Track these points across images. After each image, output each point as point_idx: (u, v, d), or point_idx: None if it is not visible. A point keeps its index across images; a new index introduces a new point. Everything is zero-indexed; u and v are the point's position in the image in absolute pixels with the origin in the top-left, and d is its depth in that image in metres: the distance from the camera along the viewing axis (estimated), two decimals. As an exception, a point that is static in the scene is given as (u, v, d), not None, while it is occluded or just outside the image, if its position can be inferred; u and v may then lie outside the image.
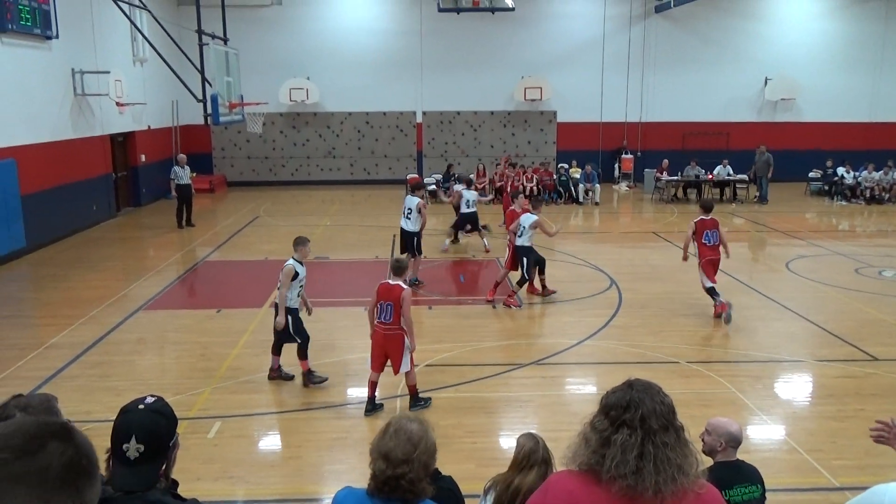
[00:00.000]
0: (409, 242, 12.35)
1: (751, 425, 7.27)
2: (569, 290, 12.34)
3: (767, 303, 11.56)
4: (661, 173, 22.99)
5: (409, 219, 12.24)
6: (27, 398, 2.90)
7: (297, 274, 8.10)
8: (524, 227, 11.16)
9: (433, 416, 6.99)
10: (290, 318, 8.16)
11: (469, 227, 15.06)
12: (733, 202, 22.54)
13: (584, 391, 8.38)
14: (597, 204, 22.11)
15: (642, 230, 18.26)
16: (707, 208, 10.89)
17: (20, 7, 14.68)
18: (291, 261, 8.15)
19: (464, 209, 14.75)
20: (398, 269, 7.46)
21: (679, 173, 23.05)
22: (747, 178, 22.93)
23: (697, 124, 26.14)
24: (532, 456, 3.91)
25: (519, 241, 11.22)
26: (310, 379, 8.25)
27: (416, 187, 12.52)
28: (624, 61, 25.85)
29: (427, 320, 10.75)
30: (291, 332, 8.18)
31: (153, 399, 2.43)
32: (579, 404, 7.71)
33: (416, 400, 7.55)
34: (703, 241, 10.62)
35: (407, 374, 7.45)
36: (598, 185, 22.63)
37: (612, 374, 8.46)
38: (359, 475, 6.28)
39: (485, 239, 15.06)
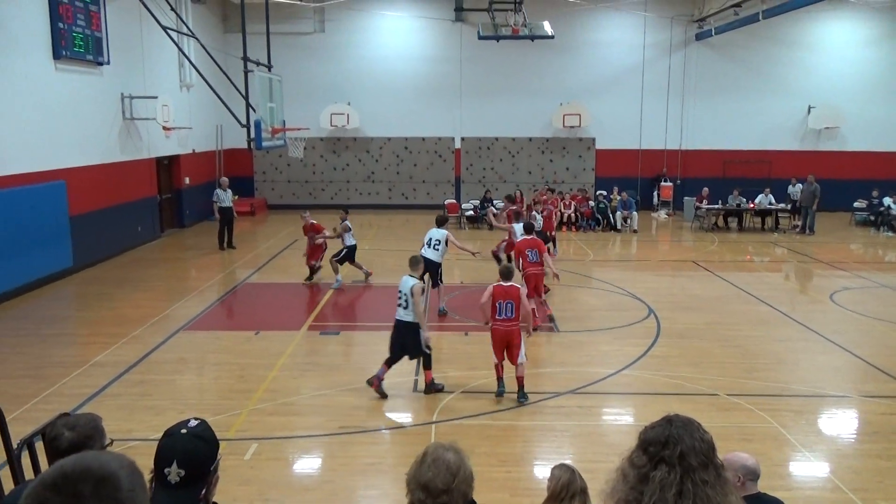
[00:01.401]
0: (434, 273, 12.37)
1: (793, 462, 7.10)
2: (606, 318, 12.24)
3: (810, 335, 11.31)
4: (702, 201, 22.75)
5: (437, 250, 12.29)
6: (74, 418, 2.98)
7: (423, 290, 8.79)
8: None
9: (466, 444, 6.96)
10: (415, 332, 8.59)
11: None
12: (775, 231, 22.19)
13: (622, 422, 8.28)
14: (635, 231, 21.95)
15: (681, 258, 18.05)
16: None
17: (74, 34, 15.22)
18: (415, 279, 8.65)
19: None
20: (508, 274, 8.73)
21: (719, 201, 22.79)
22: (789, 208, 22.57)
23: (738, 152, 25.89)
24: (570, 487, 3.88)
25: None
26: (434, 387, 8.68)
27: (442, 221, 12.71)
28: (664, 88, 25.78)
29: (463, 347, 10.75)
30: (423, 346, 8.60)
31: (196, 423, 2.46)
32: (616, 435, 7.62)
33: (523, 392, 8.42)
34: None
35: (520, 365, 8.41)
36: (636, 213, 22.47)
37: (651, 405, 8.37)
38: (391, 502, 6.29)
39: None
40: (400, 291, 8.64)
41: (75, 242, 15.14)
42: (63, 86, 15.15)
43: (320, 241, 14.51)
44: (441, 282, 12.57)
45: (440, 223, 12.62)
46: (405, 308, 8.58)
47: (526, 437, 7.68)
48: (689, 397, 8.58)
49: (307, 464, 7.23)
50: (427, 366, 8.77)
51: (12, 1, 13.51)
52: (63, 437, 2.83)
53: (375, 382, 8.59)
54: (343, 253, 14.24)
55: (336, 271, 14.13)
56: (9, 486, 4.27)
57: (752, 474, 4.08)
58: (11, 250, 12.99)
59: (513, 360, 8.45)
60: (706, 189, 22.98)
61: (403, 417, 8.30)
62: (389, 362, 8.71)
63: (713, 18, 24.03)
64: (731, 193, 22.80)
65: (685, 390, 8.87)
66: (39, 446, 3.98)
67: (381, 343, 10.82)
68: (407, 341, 8.63)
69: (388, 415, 8.31)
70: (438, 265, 12.36)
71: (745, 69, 25.73)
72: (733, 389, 8.88)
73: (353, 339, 11.03)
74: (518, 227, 12.63)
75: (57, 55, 14.75)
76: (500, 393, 8.49)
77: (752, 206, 22.55)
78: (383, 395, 8.56)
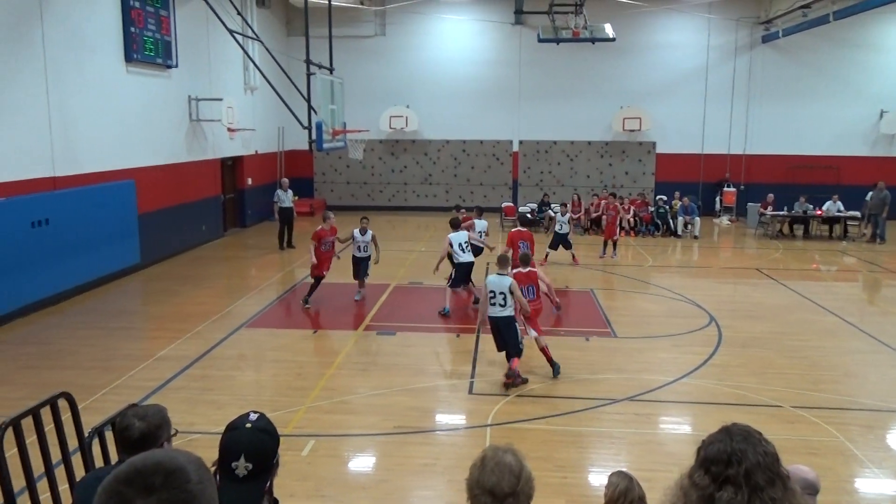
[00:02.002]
0: (469, 273, 12.81)
1: (860, 478, 6.85)
2: (665, 325, 12.03)
3: (880, 347, 10.90)
4: (766, 208, 22.13)
5: (467, 251, 12.66)
6: (143, 409, 3.07)
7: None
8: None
9: (522, 448, 6.91)
10: (514, 326, 9.01)
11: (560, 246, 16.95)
12: (843, 240, 21.45)
13: (680, 431, 8.12)
14: (696, 237, 21.51)
15: (744, 266, 17.61)
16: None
17: (145, 38, 15.74)
18: (509, 277, 9.08)
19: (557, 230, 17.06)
20: (526, 261, 10.00)
21: (784, 208, 22.14)
22: (859, 216, 21.78)
23: (805, 157, 25.12)
24: (628, 494, 3.82)
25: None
26: (518, 378, 8.96)
27: (457, 224, 13.10)
28: (728, 92, 25.21)
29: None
30: (519, 340, 9.08)
31: (257, 416, 2.50)
32: (675, 444, 7.47)
33: (555, 366, 9.38)
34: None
35: (538, 338, 9.48)
36: (697, 218, 22.00)
37: (710, 415, 8.18)
38: None
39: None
40: (493, 291, 8.92)
41: (143, 239, 15.63)
42: (134, 88, 15.67)
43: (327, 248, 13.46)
44: (472, 283, 13.00)
45: (456, 226, 13.01)
46: (503, 306, 8.91)
47: (582, 444, 7.60)
48: (751, 408, 8.36)
49: (363, 462, 7.30)
50: (519, 355, 9.06)
51: (88, 7, 14.04)
52: (134, 427, 2.92)
53: (510, 378, 8.91)
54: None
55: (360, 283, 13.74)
56: (80, 472, 4.44)
57: (812, 488, 3.95)
58: (84, 246, 13.48)
59: (538, 332, 9.64)
60: (771, 195, 22.34)
61: (458, 420, 8.31)
62: (510, 356, 9.08)
63: (780, 20, 23.39)
64: (798, 200, 22.12)
65: (747, 401, 8.65)
66: (108, 435, 4.13)
67: (436, 344, 10.90)
68: (508, 337, 8.99)
69: (443, 417, 8.33)
70: (472, 265, 12.85)
71: (813, 72, 24.96)
72: (798, 402, 8.62)
73: (409, 339, 11.09)
74: None
75: (128, 58, 15.28)
76: (556, 373, 9.36)
77: (819, 213, 21.85)
78: (524, 381, 9.05)
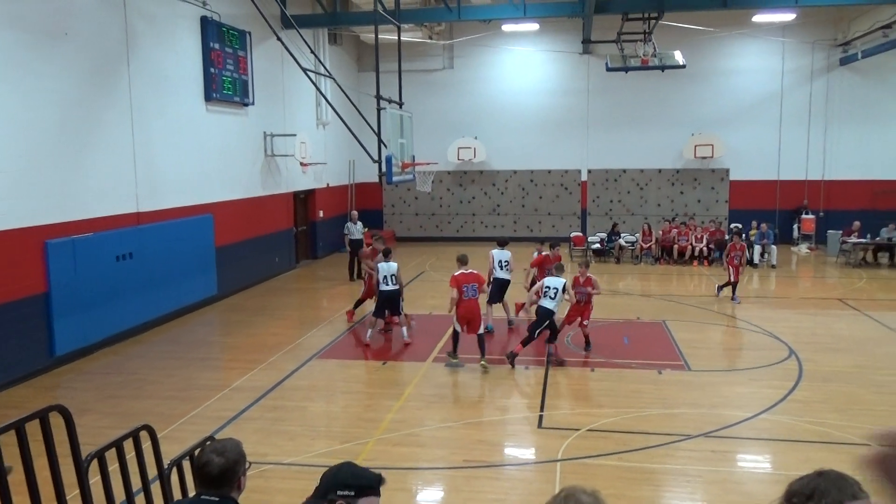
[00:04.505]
0: (502, 290, 13.54)
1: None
2: (742, 358, 11.66)
3: (978, 384, 10.27)
4: (850, 235, 21.21)
5: (506, 269, 13.41)
6: (221, 444, 3.14)
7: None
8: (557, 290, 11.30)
9: (594, 485, 6.78)
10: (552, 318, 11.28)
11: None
12: (933, 268, 20.41)
13: (760, 469, 7.80)
14: (773, 266, 20.82)
15: (825, 296, 16.92)
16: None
17: (223, 78, 16.42)
18: (563, 279, 11.32)
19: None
20: (464, 261, 11.68)
21: (868, 235, 21.22)
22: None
23: (889, 182, 24.07)
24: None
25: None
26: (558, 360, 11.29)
27: (504, 243, 13.88)
28: (804, 116, 24.49)
29: (589, 383, 10.53)
30: (557, 325, 11.57)
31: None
32: (753, 484, 7.19)
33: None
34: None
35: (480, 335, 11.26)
36: (774, 247, 21.31)
37: (791, 453, 7.86)
38: (517, 540, 6.22)
39: None
40: (549, 286, 11.14)
41: (220, 271, 16.14)
42: (213, 125, 16.32)
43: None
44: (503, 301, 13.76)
45: (503, 244, 13.78)
46: (552, 299, 11.08)
47: (657, 481, 7.39)
48: (835, 446, 7.98)
49: (432, 495, 7.28)
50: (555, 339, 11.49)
51: (172, 51, 14.77)
52: (213, 463, 3.00)
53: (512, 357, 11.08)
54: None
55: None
56: (158, 502, 4.58)
57: None
58: (165, 278, 14.03)
59: (474, 331, 11.21)
60: (857, 222, 21.38)
61: (527, 454, 8.22)
62: (526, 342, 11.26)
63: (859, 41, 22.66)
64: (886, 227, 21.12)
65: (831, 438, 8.26)
66: (186, 465, 4.25)
67: (505, 376, 10.83)
68: (552, 326, 11.19)
69: (512, 451, 8.25)
70: (508, 282, 13.57)
71: (895, 94, 24.04)
72: (887, 440, 8.17)
73: (477, 371, 11.06)
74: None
75: (208, 97, 15.95)
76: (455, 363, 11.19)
77: (905, 240, 20.86)
78: (511, 361, 11.11)
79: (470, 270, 11.47)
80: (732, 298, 16.02)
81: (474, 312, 11.25)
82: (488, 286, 12.83)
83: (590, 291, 11.85)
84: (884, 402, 9.53)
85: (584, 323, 11.94)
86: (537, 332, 11.24)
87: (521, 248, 24.46)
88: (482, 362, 11.07)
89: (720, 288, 16.58)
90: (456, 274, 11.41)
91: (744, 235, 19.38)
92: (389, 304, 12.72)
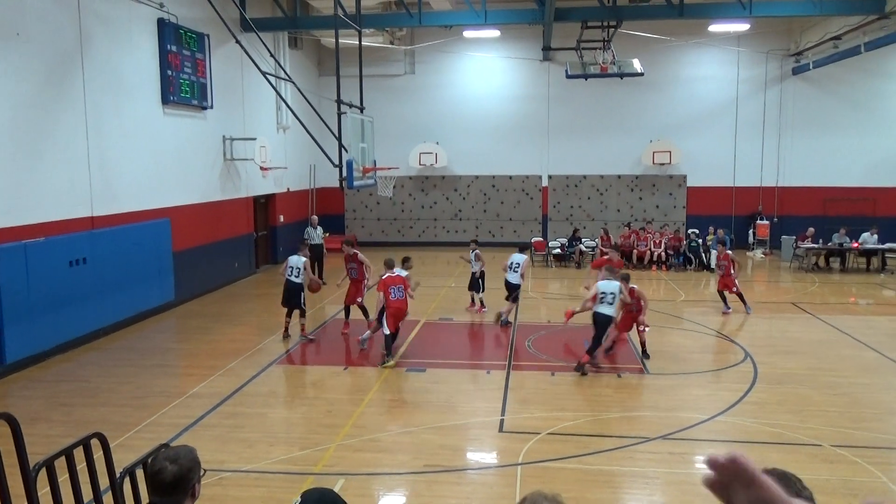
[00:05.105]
0: (517, 291, 14.33)
1: (906, 521, 6.61)
2: (699, 361, 11.84)
3: (924, 384, 10.59)
4: (804, 240, 21.71)
5: (517, 272, 14.20)
6: (175, 451, 3.09)
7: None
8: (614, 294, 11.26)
9: (554, 488, 6.82)
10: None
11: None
12: (881, 272, 20.99)
13: (716, 471, 7.91)
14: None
15: (779, 300, 17.31)
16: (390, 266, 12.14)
17: (181, 81, 16.18)
18: (618, 282, 11.28)
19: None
20: (392, 265, 12.04)
21: (820, 240, 21.76)
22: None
23: (840, 189, 24.76)
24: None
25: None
26: (581, 370, 11.04)
27: (524, 248, 15.34)
28: (759, 124, 25.07)
29: (549, 387, 10.59)
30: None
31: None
32: (710, 485, 7.29)
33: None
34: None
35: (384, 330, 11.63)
36: (730, 252, 21.65)
37: (747, 454, 7.95)
38: (478, 544, 6.21)
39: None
40: (604, 292, 11.05)
41: (177, 277, 15.87)
42: (170, 129, 16.07)
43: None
44: (518, 299, 14.49)
45: (522, 249, 14.93)
46: (610, 304, 11.05)
47: (616, 484, 7.46)
48: (789, 447, 8.16)
49: (393, 501, 7.24)
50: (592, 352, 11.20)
51: (128, 53, 14.50)
52: (167, 471, 2.94)
53: (587, 358, 11.08)
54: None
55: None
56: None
57: None
58: (120, 284, 13.74)
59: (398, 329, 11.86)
60: (812, 229, 21.90)
61: (489, 458, 8.22)
62: (590, 349, 11.15)
63: (811, 52, 23.29)
64: (837, 232, 21.69)
65: (785, 439, 8.44)
66: (140, 474, 4.16)
67: (466, 381, 10.84)
68: (598, 332, 11.10)
69: (474, 455, 8.25)
70: (519, 286, 14.26)
71: (846, 103, 24.71)
72: (838, 440, 8.39)
73: (438, 376, 11.06)
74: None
75: (165, 100, 15.69)
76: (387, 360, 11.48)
77: (855, 245, 21.43)
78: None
79: (396, 273, 11.92)
80: (746, 311, 15.61)
81: (403, 311, 11.85)
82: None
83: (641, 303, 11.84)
84: (835, 402, 9.76)
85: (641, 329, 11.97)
86: (603, 338, 11.34)
87: (484, 252, 24.56)
88: (389, 362, 11.47)
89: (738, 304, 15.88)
90: (383, 277, 11.83)
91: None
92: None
